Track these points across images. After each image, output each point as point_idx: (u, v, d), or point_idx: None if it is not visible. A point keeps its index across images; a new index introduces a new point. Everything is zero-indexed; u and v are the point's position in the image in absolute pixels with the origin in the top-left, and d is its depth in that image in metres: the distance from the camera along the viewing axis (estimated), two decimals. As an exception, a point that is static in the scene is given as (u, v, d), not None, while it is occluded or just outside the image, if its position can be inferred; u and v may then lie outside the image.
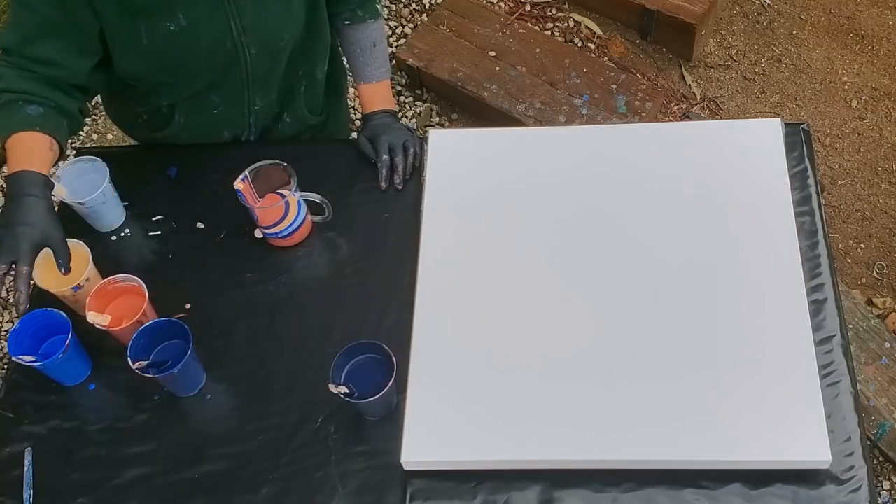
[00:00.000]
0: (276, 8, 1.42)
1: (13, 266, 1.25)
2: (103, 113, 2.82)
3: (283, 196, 1.42)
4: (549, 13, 2.93)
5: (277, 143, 1.67)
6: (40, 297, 1.44)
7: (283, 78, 1.57)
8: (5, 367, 1.83)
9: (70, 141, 2.72)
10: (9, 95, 1.35)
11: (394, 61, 2.76)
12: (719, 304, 1.33)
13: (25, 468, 1.32)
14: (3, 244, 1.25)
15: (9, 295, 2.49)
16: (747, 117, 2.70)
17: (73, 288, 1.36)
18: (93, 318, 1.33)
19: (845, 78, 2.78)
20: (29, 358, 1.32)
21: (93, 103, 2.83)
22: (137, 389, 1.36)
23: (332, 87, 1.71)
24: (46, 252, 1.40)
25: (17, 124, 1.34)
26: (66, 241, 1.31)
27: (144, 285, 1.36)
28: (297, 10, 1.46)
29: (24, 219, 1.27)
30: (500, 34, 2.75)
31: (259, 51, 1.46)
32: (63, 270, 1.30)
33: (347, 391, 1.26)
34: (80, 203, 1.46)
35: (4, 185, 1.31)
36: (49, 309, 1.35)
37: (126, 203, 1.55)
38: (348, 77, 1.81)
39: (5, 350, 2.37)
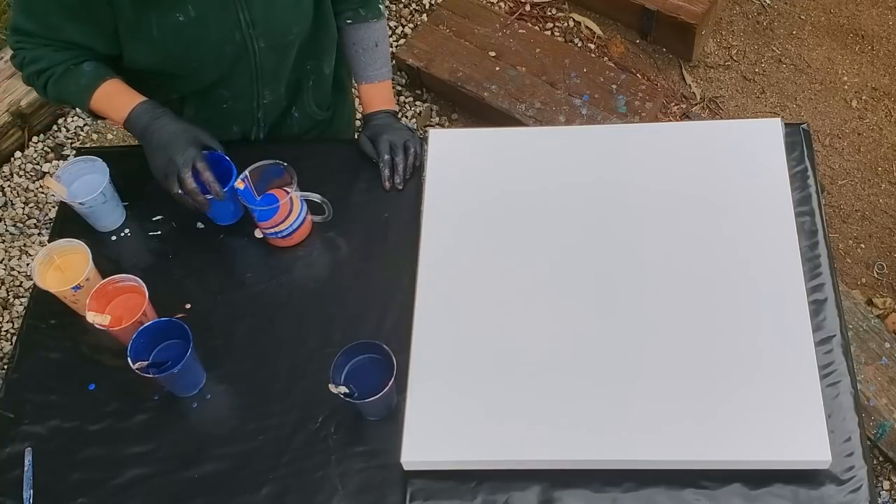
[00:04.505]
0: (285, 2, 1.43)
1: (193, 167, 1.39)
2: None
3: (283, 195, 1.43)
4: (549, 13, 2.93)
5: (279, 143, 1.67)
6: (34, 311, 1.44)
7: (291, 72, 1.57)
8: (5, 367, 1.83)
9: (70, 141, 2.74)
10: (58, 67, 1.42)
11: (394, 61, 2.76)
12: (719, 304, 1.33)
13: (25, 468, 1.32)
14: (175, 159, 1.39)
15: (9, 295, 2.49)
16: (747, 117, 2.70)
17: (73, 288, 1.36)
18: (93, 318, 1.33)
19: (845, 78, 2.78)
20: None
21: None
22: (137, 389, 1.36)
23: (337, 83, 1.72)
24: (46, 252, 1.40)
25: (88, 84, 1.43)
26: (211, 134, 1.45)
27: (144, 285, 1.36)
28: (305, 4, 1.46)
29: (170, 132, 1.41)
30: (500, 34, 2.75)
31: (267, 44, 1.46)
32: (217, 148, 1.43)
33: (347, 391, 1.26)
34: (80, 203, 1.46)
35: (126, 127, 1.46)
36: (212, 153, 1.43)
37: (126, 203, 1.55)
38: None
39: (5, 350, 2.38)
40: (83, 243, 1.41)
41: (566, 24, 2.91)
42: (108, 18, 1.36)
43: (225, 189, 1.41)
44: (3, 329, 2.45)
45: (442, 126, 2.75)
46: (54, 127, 2.78)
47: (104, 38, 1.40)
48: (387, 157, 1.54)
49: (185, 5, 1.35)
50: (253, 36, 1.43)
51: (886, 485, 2.12)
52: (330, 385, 1.24)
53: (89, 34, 1.39)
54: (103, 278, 1.38)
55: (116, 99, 1.44)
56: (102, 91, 1.43)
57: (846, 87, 2.76)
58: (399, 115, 2.34)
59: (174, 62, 1.42)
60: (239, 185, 1.42)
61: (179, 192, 1.39)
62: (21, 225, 2.61)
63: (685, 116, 2.71)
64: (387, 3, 2.97)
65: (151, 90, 1.52)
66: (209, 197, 1.40)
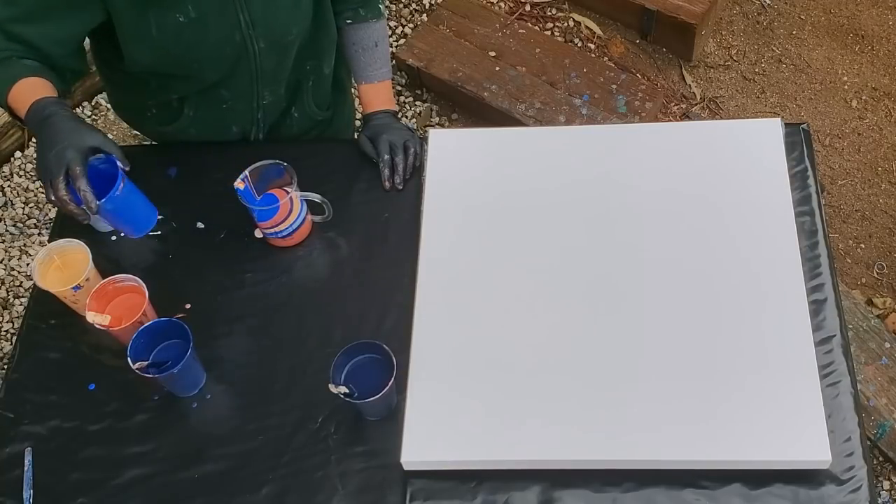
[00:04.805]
0: (284, 2, 1.43)
1: (67, 177, 1.25)
2: (104, 113, 2.82)
3: (283, 195, 1.43)
4: (549, 13, 2.93)
5: (279, 143, 1.67)
6: (34, 311, 1.45)
7: (291, 72, 1.57)
8: (5, 367, 1.83)
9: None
10: (2, 52, 1.34)
11: (394, 61, 2.76)
12: (719, 304, 1.33)
13: (25, 468, 1.32)
14: (50, 164, 1.26)
15: (9, 295, 2.49)
16: (747, 117, 2.70)
17: (73, 288, 1.36)
18: (93, 318, 1.33)
19: (845, 78, 2.78)
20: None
21: (92, 103, 2.83)
22: (137, 389, 1.36)
23: (337, 82, 1.72)
24: (46, 252, 1.40)
25: (16, 74, 1.34)
26: (108, 137, 1.32)
27: (144, 285, 1.36)
28: (305, 4, 1.46)
29: (58, 134, 1.27)
30: (500, 34, 2.75)
31: (268, 45, 1.46)
32: (122, 165, 1.30)
33: (347, 391, 1.26)
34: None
35: (27, 123, 1.35)
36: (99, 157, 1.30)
37: (126, 203, 1.55)
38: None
39: (5, 350, 2.38)
40: (83, 243, 1.41)
41: (566, 24, 2.91)
42: (94, 20, 1.35)
43: (103, 200, 1.27)
44: (3, 329, 2.45)
45: (442, 126, 2.75)
46: (54, 127, 2.77)
47: (63, 46, 1.36)
48: (387, 157, 1.54)
49: (185, 6, 1.35)
50: (253, 37, 1.43)
51: (886, 485, 2.12)
52: (330, 385, 1.24)
53: (47, 39, 1.34)
54: (103, 278, 1.38)
55: (27, 95, 1.32)
56: (22, 84, 1.33)
57: (846, 87, 2.76)
58: (399, 115, 2.34)
59: (174, 62, 1.42)
60: (239, 185, 1.42)
61: (52, 199, 1.27)
62: (21, 225, 2.61)
63: (685, 116, 2.71)
64: (387, 2, 2.97)
65: (151, 91, 1.52)
66: (84, 207, 1.27)
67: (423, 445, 1.26)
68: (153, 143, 1.72)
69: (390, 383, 1.25)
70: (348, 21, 1.58)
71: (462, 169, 1.52)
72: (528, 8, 2.92)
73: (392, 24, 2.94)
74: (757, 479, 1.23)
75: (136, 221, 1.39)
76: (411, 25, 2.93)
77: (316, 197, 1.46)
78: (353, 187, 1.55)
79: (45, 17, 1.34)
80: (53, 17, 1.34)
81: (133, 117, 1.68)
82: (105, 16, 1.36)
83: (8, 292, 2.50)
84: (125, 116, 1.70)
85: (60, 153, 1.25)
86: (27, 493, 1.30)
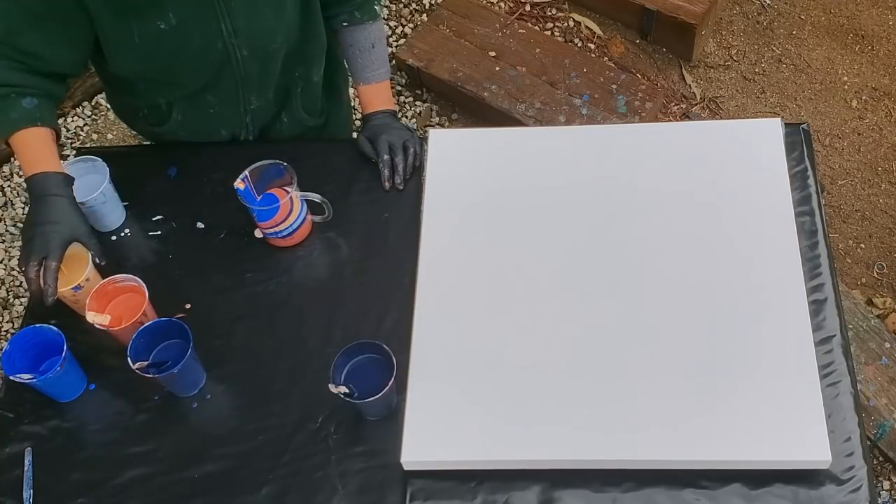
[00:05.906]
0: (267, 10, 1.42)
1: (43, 261, 1.31)
2: (103, 113, 2.82)
3: (283, 195, 1.43)
4: (549, 13, 2.93)
5: (277, 143, 1.67)
6: (34, 312, 1.45)
7: (278, 79, 1.57)
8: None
9: (70, 141, 2.74)
10: (1, 90, 1.36)
11: (394, 61, 2.76)
12: (719, 304, 1.34)
13: (25, 468, 1.32)
14: (34, 242, 1.32)
15: (9, 295, 2.49)
16: (747, 117, 2.70)
17: (73, 288, 1.36)
18: (93, 318, 1.33)
19: (845, 78, 2.78)
20: (27, 376, 1.31)
21: (92, 103, 2.83)
22: (137, 389, 1.37)
23: (330, 87, 1.71)
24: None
25: (17, 120, 1.37)
26: (93, 233, 1.38)
27: (144, 285, 1.36)
28: (290, 12, 1.46)
29: (52, 217, 1.34)
30: (500, 34, 2.75)
31: (251, 52, 1.46)
32: (99, 260, 1.37)
33: (347, 391, 1.26)
34: (81, 203, 1.46)
35: (25, 183, 1.40)
36: (40, 325, 1.35)
37: (126, 203, 1.55)
38: (349, 76, 1.81)
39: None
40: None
41: (566, 24, 2.91)
42: (81, 27, 1.35)
43: (35, 378, 1.31)
44: (3, 329, 2.45)
45: (442, 126, 2.75)
46: (54, 127, 2.77)
47: (70, 49, 1.38)
48: (386, 157, 1.54)
49: (166, 13, 1.35)
50: (235, 44, 1.43)
51: (886, 485, 2.12)
52: (330, 385, 1.24)
53: (52, 44, 1.36)
54: (103, 278, 1.38)
55: (30, 151, 1.38)
56: (27, 134, 1.37)
57: (846, 87, 2.76)
58: (399, 115, 2.34)
59: (157, 69, 1.43)
60: (239, 185, 1.42)
61: (24, 269, 1.32)
62: (21, 225, 2.61)
63: (685, 116, 2.71)
64: (386, 2, 2.97)
65: (140, 93, 1.52)
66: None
67: (423, 445, 1.26)
68: (153, 142, 1.72)
69: (390, 383, 1.25)
70: (344, 24, 1.57)
71: (462, 169, 1.52)
72: (528, 8, 2.92)
73: (392, 24, 2.94)
74: (757, 479, 1.23)
75: (62, 393, 1.38)
76: (411, 25, 2.93)
77: (316, 197, 1.46)
78: (353, 187, 1.55)
79: (40, 26, 1.33)
80: (48, 26, 1.34)
81: (127, 117, 1.69)
82: (90, 23, 1.36)
83: (8, 292, 2.50)
84: (120, 115, 1.71)
85: (47, 237, 1.32)
86: (27, 493, 1.30)
